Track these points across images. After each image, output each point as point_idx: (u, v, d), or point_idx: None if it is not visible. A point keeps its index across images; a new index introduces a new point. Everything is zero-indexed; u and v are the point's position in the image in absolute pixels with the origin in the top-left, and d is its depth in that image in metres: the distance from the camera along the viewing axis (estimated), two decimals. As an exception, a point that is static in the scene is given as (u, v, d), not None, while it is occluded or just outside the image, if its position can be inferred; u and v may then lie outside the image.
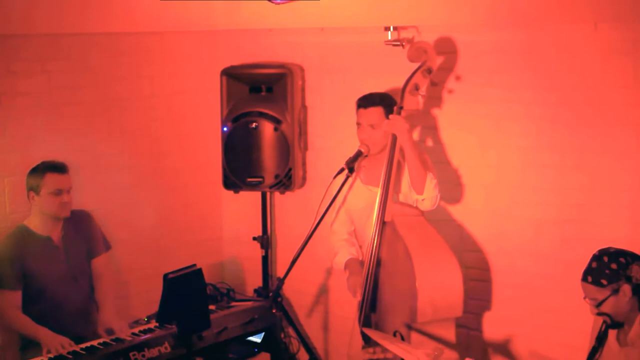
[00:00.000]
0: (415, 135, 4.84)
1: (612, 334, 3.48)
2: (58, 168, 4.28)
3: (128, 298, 5.16)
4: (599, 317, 3.47)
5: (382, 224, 4.12)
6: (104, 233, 4.61)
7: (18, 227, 4.33)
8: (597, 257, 3.45)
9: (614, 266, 3.37)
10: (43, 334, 4.13)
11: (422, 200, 4.12)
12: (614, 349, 3.46)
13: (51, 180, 4.24)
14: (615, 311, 3.39)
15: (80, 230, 4.47)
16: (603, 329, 3.48)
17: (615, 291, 3.36)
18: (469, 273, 4.69)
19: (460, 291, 3.94)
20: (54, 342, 4.07)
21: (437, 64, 4.28)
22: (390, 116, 4.12)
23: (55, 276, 4.31)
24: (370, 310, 4.16)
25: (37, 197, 4.26)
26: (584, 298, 3.47)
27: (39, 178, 4.25)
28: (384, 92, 4.35)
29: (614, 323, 3.42)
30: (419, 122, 4.80)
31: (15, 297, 4.21)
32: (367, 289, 4.14)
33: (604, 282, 3.37)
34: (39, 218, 4.32)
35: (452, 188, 4.71)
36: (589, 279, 3.41)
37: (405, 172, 4.21)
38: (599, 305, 3.40)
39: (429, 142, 4.82)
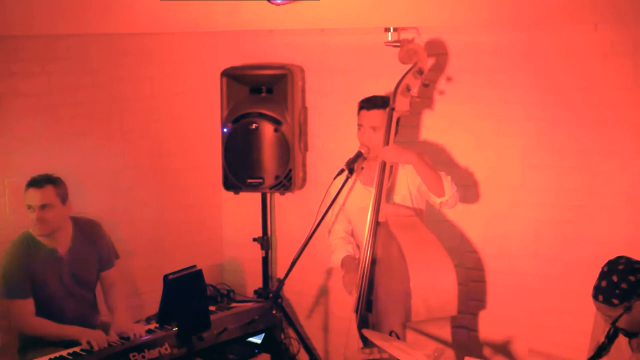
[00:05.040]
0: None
1: (623, 336, 3.39)
2: (36, 182, 4.22)
3: (128, 299, 5.14)
4: (601, 315, 3.43)
5: (376, 224, 4.13)
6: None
7: (23, 235, 4.29)
8: (606, 274, 3.28)
9: (624, 285, 3.22)
10: (76, 331, 4.14)
11: (446, 200, 4.12)
12: (625, 352, 3.40)
13: (28, 196, 4.22)
14: (630, 326, 3.28)
15: (91, 241, 4.45)
16: (612, 330, 3.41)
17: (628, 309, 3.23)
18: (471, 274, 4.69)
19: (454, 290, 3.93)
20: (91, 337, 4.08)
21: (428, 65, 4.28)
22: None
23: (57, 287, 4.30)
24: (367, 310, 4.16)
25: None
26: (597, 312, 3.37)
27: (25, 193, 4.23)
28: (386, 94, 4.36)
29: (629, 333, 3.31)
30: (418, 122, 4.81)
31: (27, 304, 4.20)
32: (361, 290, 4.15)
33: (615, 301, 3.23)
34: None
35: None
36: (600, 297, 3.27)
37: (400, 175, 4.23)
38: (614, 322, 3.28)
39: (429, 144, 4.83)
